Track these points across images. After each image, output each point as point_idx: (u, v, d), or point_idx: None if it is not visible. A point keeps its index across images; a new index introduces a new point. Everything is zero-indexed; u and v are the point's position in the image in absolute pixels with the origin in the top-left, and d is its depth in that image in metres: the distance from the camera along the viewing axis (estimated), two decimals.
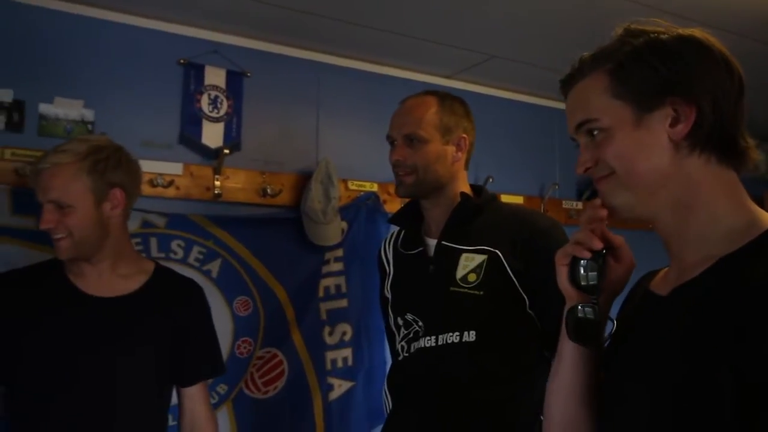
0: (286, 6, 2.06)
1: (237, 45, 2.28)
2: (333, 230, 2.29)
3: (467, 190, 1.62)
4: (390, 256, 1.72)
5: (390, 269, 1.70)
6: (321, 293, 2.34)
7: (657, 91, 0.82)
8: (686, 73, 0.81)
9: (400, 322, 1.60)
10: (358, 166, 2.47)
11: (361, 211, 2.42)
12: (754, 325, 0.69)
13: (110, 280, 1.49)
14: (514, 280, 1.46)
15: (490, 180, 2.72)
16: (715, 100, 0.81)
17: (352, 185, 2.45)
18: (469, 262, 1.49)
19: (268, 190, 2.27)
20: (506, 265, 1.46)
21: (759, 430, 0.67)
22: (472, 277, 1.48)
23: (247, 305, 2.18)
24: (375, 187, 2.48)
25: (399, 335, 1.61)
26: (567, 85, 0.91)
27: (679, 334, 0.79)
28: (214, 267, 2.14)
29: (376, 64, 2.57)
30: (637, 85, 0.83)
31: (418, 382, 1.53)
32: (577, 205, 3.04)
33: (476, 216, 1.56)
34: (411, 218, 1.67)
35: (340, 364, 2.34)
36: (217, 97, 2.22)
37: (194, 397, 1.59)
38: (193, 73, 2.19)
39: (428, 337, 1.51)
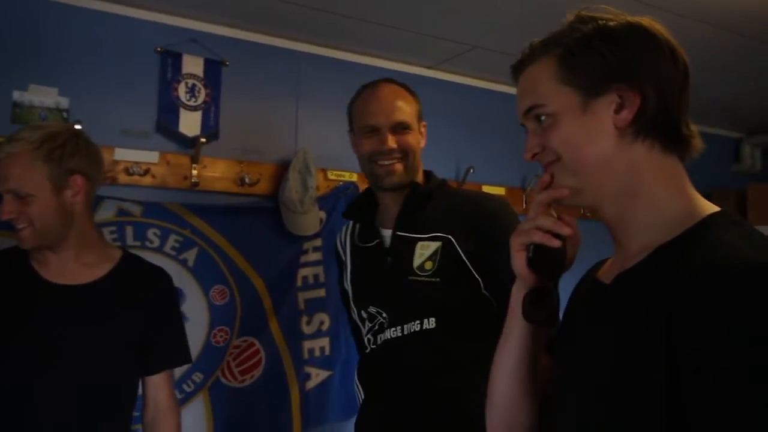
0: None
1: (216, 33, 2.27)
2: (310, 220, 2.29)
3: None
4: (347, 249, 1.70)
5: (347, 262, 1.69)
6: (299, 282, 2.34)
7: (603, 77, 0.82)
8: (632, 61, 0.82)
9: (364, 315, 1.59)
10: (337, 156, 2.46)
11: (340, 201, 2.42)
12: (681, 314, 0.69)
13: (74, 268, 1.48)
14: (468, 263, 1.46)
15: (471, 170, 2.73)
16: (659, 87, 0.82)
17: (332, 175, 2.45)
18: (424, 250, 1.49)
19: (247, 180, 2.27)
20: (459, 249, 1.46)
21: (689, 420, 0.66)
22: (428, 265, 1.48)
23: (224, 294, 2.18)
24: (354, 177, 2.48)
25: (364, 328, 1.60)
26: (517, 70, 0.91)
27: (614, 324, 0.80)
28: (191, 256, 2.14)
29: (357, 54, 2.56)
30: (584, 72, 0.83)
31: (385, 372, 1.54)
32: None
33: (427, 203, 1.54)
34: (365, 210, 1.65)
35: (317, 353, 2.35)
36: (194, 85, 2.21)
37: (158, 386, 1.58)
38: (171, 61, 2.18)
39: (393, 328, 1.51)
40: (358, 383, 1.67)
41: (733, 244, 0.72)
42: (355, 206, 1.69)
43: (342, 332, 2.37)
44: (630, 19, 0.86)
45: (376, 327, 1.55)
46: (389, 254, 1.54)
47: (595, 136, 0.83)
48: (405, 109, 1.53)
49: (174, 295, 1.67)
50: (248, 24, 2.30)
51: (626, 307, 0.79)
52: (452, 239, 1.47)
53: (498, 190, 2.86)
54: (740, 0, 2.08)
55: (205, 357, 2.13)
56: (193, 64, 2.21)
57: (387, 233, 1.57)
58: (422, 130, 1.59)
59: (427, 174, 1.65)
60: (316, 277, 2.38)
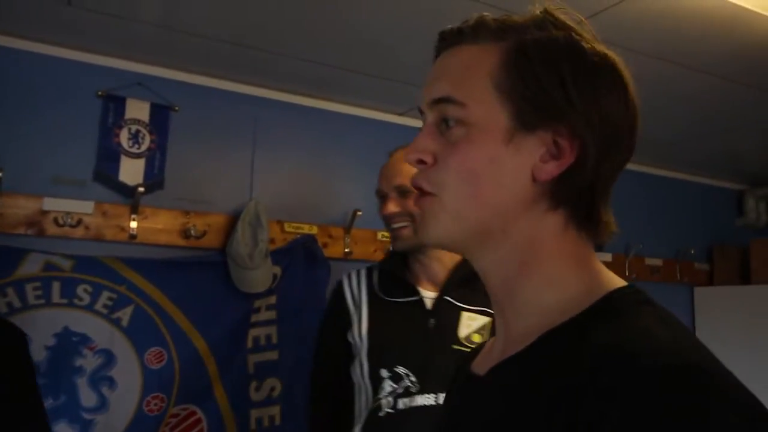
0: (218, 38, 1.93)
1: (164, 77, 2.15)
2: (261, 276, 2.11)
3: None
4: (362, 299, 1.58)
5: (362, 313, 1.56)
6: (250, 344, 2.15)
7: (547, 107, 0.61)
8: (589, 103, 0.61)
9: (385, 374, 1.46)
10: (296, 207, 2.31)
11: (298, 255, 2.25)
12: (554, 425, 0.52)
13: None
14: None
15: None
16: (606, 147, 0.62)
17: (289, 227, 2.28)
18: (472, 322, 1.47)
19: (192, 232, 2.11)
20: None
21: None
22: (476, 338, 1.45)
23: (161, 357, 1.99)
24: (315, 230, 2.31)
25: (381, 389, 1.45)
26: (446, 40, 0.68)
27: (482, 424, 0.63)
28: (125, 315, 1.96)
29: (320, 100, 2.43)
30: (529, 87, 0.61)
31: None
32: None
33: (477, 278, 1.46)
34: (398, 265, 1.57)
35: (266, 423, 2.13)
36: (138, 131, 2.08)
37: None
38: (113, 106, 2.05)
39: (426, 395, 1.41)
40: None
41: (646, 334, 0.54)
42: (392, 258, 1.60)
43: (299, 400, 2.16)
44: (602, 48, 0.64)
45: (401, 390, 1.44)
46: (432, 316, 1.48)
47: (504, 177, 0.62)
48: (410, 172, 1.44)
49: (20, 356, 1.41)
50: (200, 67, 2.18)
51: (502, 407, 0.61)
52: None
53: None
54: (745, 51, 1.94)
55: (135, 428, 1.93)
56: (137, 109, 2.08)
57: (428, 294, 1.51)
58: None
59: None
60: (268, 338, 2.18)
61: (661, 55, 1.96)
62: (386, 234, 2.46)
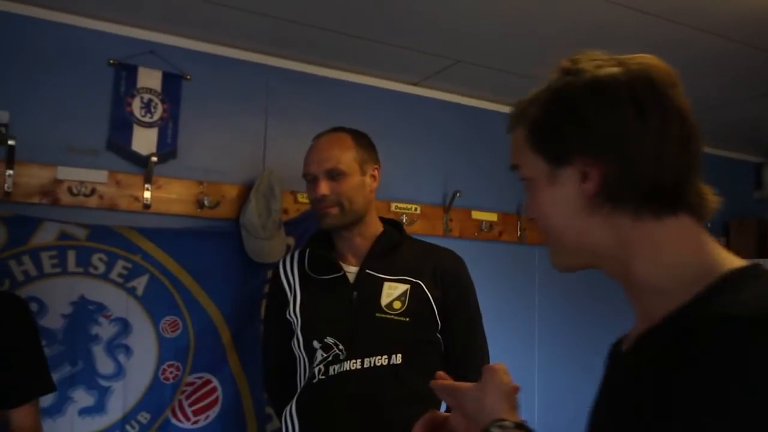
0: (231, 5, 1.90)
1: (176, 45, 2.13)
2: (275, 246, 2.10)
3: (379, 221, 1.72)
4: (294, 279, 1.70)
5: (296, 292, 1.68)
6: (263, 314, 2.15)
7: (563, 150, 0.77)
8: (587, 131, 0.75)
9: (317, 345, 1.60)
10: None
11: (311, 226, 2.23)
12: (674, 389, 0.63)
13: None
14: (435, 307, 1.62)
15: (458, 195, 2.52)
16: (623, 153, 0.74)
17: (302, 198, 2.27)
18: (392, 290, 1.60)
19: (206, 202, 2.10)
20: (429, 294, 1.62)
21: None
22: (397, 305, 1.59)
23: (176, 326, 2.00)
24: None
25: (314, 358, 1.60)
26: (508, 133, 0.88)
27: (609, 398, 0.79)
28: (140, 284, 1.97)
29: (332, 69, 2.40)
30: (544, 143, 0.79)
31: (341, 403, 1.55)
32: None
33: (396, 248, 1.68)
34: (325, 244, 1.71)
35: None
36: (150, 100, 2.07)
37: (22, 415, 1.50)
38: (125, 74, 2.04)
39: (353, 361, 1.55)
40: (292, 415, 1.61)
41: (739, 306, 0.64)
42: (318, 238, 1.74)
43: None
44: (599, 72, 0.76)
45: (331, 358, 1.57)
46: (354, 289, 1.61)
47: (564, 208, 0.79)
48: (340, 156, 1.63)
49: (24, 319, 1.54)
50: (212, 36, 2.16)
51: (634, 378, 0.74)
52: (422, 284, 1.62)
53: (490, 216, 2.66)
54: (765, 14, 1.88)
55: (152, 395, 1.95)
56: (149, 78, 2.07)
57: (351, 269, 1.65)
58: (374, 173, 1.69)
59: (391, 220, 1.79)
60: None
61: (677, 17, 1.91)
62: (400, 204, 2.46)
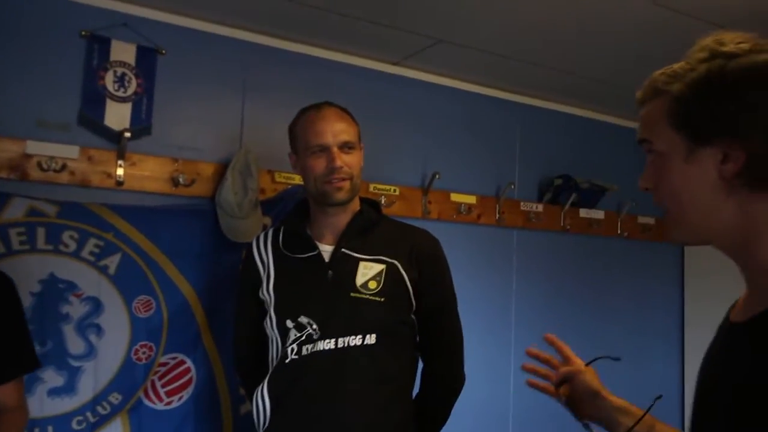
0: None
1: (151, 18, 2.07)
2: (251, 225, 2.07)
3: (358, 198, 1.68)
4: (268, 258, 1.67)
5: (269, 271, 1.65)
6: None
7: (708, 129, 0.79)
8: (740, 114, 0.77)
9: (290, 324, 1.57)
10: (287, 157, 2.25)
11: (288, 206, 2.20)
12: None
13: None
14: (410, 288, 1.60)
15: (437, 177, 2.51)
16: None
17: (280, 177, 2.24)
18: (368, 270, 1.58)
19: (181, 180, 2.06)
20: (405, 275, 1.59)
21: None
22: (372, 284, 1.56)
23: (149, 306, 1.97)
24: None
25: (287, 338, 1.57)
26: (639, 104, 0.89)
27: (738, 370, 0.78)
28: (112, 262, 1.93)
29: (312, 46, 2.36)
30: (690, 121, 0.81)
31: (313, 383, 1.53)
32: (537, 207, 2.83)
33: (373, 227, 1.65)
34: (301, 222, 1.68)
35: None
36: (124, 74, 2.01)
37: (7, 392, 1.50)
38: (97, 47, 1.98)
39: (326, 340, 1.53)
40: (263, 396, 1.58)
41: None
42: (294, 216, 1.71)
43: None
44: (757, 58, 0.78)
45: (304, 338, 1.55)
46: (330, 268, 1.58)
47: (697, 186, 0.81)
48: (349, 129, 1.62)
49: (7, 296, 1.52)
50: (189, 9, 2.10)
51: (752, 352, 0.77)
52: (398, 265, 1.59)
53: (468, 199, 2.65)
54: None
55: (124, 375, 1.91)
56: (123, 51, 2.01)
57: (326, 248, 1.62)
58: (362, 150, 1.67)
59: (372, 202, 1.75)
60: None
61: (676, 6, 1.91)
62: (378, 186, 2.43)
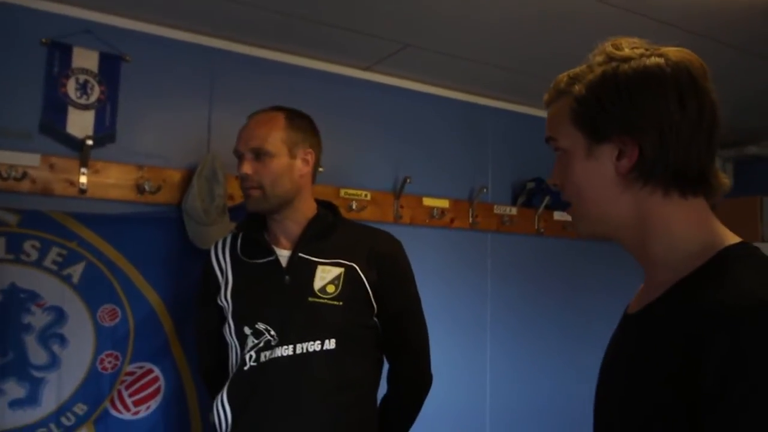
0: None
1: (114, 25, 2.05)
2: (218, 232, 2.05)
3: (314, 204, 1.66)
4: (226, 263, 1.65)
5: (227, 277, 1.64)
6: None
7: (605, 127, 0.85)
8: (632, 112, 0.84)
9: (248, 331, 1.55)
10: None
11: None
12: (691, 346, 0.72)
13: None
14: (370, 291, 1.58)
15: (408, 181, 2.50)
16: (662, 136, 0.83)
17: None
18: (326, 274, 1.56)
19: (147, 187, 2.04)
20: (363, 277, 1.57)
21: None
22: (330, 288, 1.54)
23: (114, 314, 1.94)
24: None
25: (246, 345, 1.55)
26: (546, 105, 0.96)
27: (626, 357, 0.87)
28: (76, 271, 1.90)
29: (279, 52, 2.35)
30: (588, 119, 0.87)
31: (272, 391, 1.51)
32: (510, 211, 2.83)
33: (331, 231, 1.63)
34: (257, 227, 1.66)
35: None
36: (86, 81, 1.99)
37: None
38: (59, 54, 1.96)
39: (285, 347, 1.51)
40: (224, 404, 1.55)
41: (742, 282, 0.75)
42: (251, 222, 1.68)
43: None
44: (647, 62, 0.85)
45: (262, 344, 1.53)
46: (287, 273, 1.56)
47: (596, 180, 0.87)
48: (266, 136, 1.56)
49: None
50: (154, 16, 2.09)
51: (639, 341, 0.85)
52: (357, 267, 1.57)
53: (441, 203, 2.65)
54: (720, 5, 1.91)
55: (89, 386, 1.88)
56: (85, 58, 1.99)
57: (284, 253, 1.60)
58: (306, 157, 1.61)
59: (327, 203, 1.73)
60: None
61: (629, 6, 1.92)
62: (349, 191, 2.43)
